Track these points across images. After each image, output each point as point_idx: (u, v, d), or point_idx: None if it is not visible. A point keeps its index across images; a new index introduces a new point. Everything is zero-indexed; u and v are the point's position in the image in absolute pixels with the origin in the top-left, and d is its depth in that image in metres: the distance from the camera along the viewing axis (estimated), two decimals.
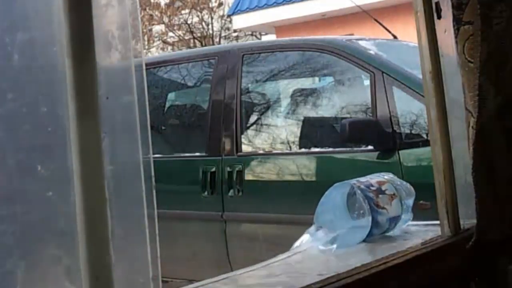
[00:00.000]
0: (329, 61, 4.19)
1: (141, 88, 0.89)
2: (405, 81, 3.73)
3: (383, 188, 1.51)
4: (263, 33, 15.55)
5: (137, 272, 0.89)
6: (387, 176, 1.58)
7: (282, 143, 4.29)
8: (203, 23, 18.03)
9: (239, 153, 4.16)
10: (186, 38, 18.31)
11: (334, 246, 1.44)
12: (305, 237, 1.46)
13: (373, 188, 1.49)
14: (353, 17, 10.41)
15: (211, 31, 18.12)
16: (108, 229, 0.82)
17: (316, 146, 4.06)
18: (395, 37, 4.66)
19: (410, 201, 1.57)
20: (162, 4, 17.87)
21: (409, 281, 1.38)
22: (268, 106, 4.51)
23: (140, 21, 0.94)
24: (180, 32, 18.36)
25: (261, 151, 4.26)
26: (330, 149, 3.97)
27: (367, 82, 3.99)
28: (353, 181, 1.51)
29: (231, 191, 4.11)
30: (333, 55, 4.06)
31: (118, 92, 0.89)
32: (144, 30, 16.45)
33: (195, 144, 4.57)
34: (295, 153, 4.15)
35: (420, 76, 1.61)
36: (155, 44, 18.63)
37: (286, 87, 4.61)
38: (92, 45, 0.82)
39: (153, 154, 0.91)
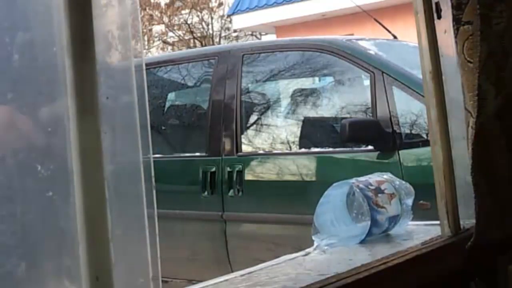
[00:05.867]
0: (329, 61, 4.19)
1: (141, 88, 0.89)
2: (405, 81, 3.73)
3: (382, 187, 1.51)
4: (263, 33, 15.55)
5: (137, 272, 0.89)
6: (386, 175, 1.58)
7: (282, 143, 4.29)
8: (203, 23, 18.04)
9: (239, 153, 4.16)
10: (186, 38, 18.31)
11: (334, 246, 1.44)
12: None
13: (372, 188, 1.49)
14: (353, 17, 10.41)
15: (211, 31, 18.13)
16: (108, 229, 0.82)
17: (316, 146, 4.06)
18: (395, 37, 4.66)
19: (409, 201, 1.57)
20: (162, 4, 17.87)
21: (409, 281, 1.38)
22: (268, 106, 4.51)
23: (140, 21, 0.94)
24: (180, 32, 18.36)
25: (261, 151, 4.26)
26: (330, 149, 3.97)
27: (367, 82, 3.99)
28: (352, 180, 1.51)
29: (231, 191, 4.11)
30: (333, 55, 4.06)
31: (118, 92, 0.89)
32: (144, 30, 16.46)
33: (195, 144, 4.57)
34: (295, 153, 4.15)
35: (420, 76, 1.61)
36: (155, 44, 18.64)
37: (286, 87, 4.61)
38: (92, 45, 0.82)
39: (153, 154, 0.91)
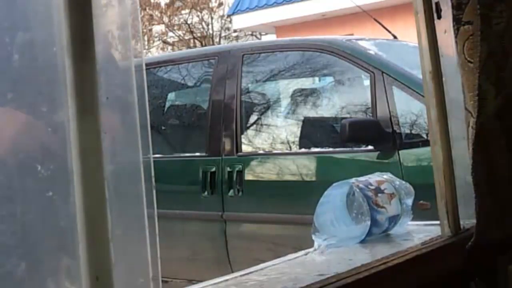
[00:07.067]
0: (329, 61, 4.19)
1: (141, 88, 0.89)
2: (405, 81, 3.73)
3: (382, 187, 1.51)
4: (263, 33, 15.55)
5: (137, 272, 0.89)
6: (386, 175, 1.59)
7: (282, 143, 4.29)
8: (203, 23, 18.04)
9: (239, 153, 4.16)
10: (186, 38, 18.31)
11: (334, 246, 1.44)
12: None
13: (372, 187, 1.49)
14: (353, 17, 10.41)
15: (211, 31, 18.13)
16: (108, 229, 0.82)
17: (316, 146, 4.06)
18: (395, 37, 4.66)
19: (409, 201, 1.57)
20: (162, 4, 17.87)
21: (409, 281, 1.38)
22: (268, 106, 4.51)
23: (140, 21, 0.94)
24: (180, 32, 18.36)
25: (261, 151, 4.26)
26: (330, 149, 3.97)
27: (367, 82, 3.99)
28: (352, 180, 1.51)
29: (231, 191, 4.11)
30: (333, 55, 4.06)
31: (118, 92, 0.89)
32: (144, 30, 16.46)
33: (195, 144, 4.57)
34: (295, 153, 4.15)
35: (420, 76, 1.61)
36: (155, 44, 18.64)
37: (286, 87, 4.61)
38: (92, 45, 0.82)
39: (153, 154, 0.91)
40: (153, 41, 18.51)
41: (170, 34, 18.51)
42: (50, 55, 0.85)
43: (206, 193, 4.19)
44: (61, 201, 0.84)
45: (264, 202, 4.11)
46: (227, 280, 1.25)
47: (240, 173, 4.10)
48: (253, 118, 4.44)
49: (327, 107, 4.36)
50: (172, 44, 18.60)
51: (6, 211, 0.84)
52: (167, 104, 4.92)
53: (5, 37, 0.85)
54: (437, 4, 1.54)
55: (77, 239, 0.81)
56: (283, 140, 4.30)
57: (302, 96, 4.40)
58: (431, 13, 1.54)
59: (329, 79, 4.60)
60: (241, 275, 1.28)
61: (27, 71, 0.86)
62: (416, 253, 1.40)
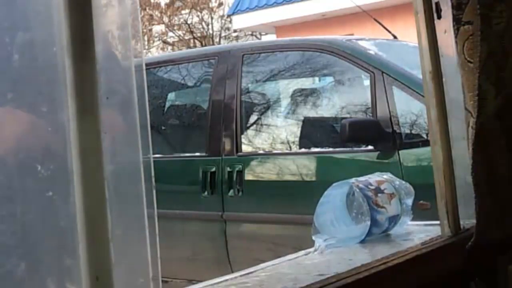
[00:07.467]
0: (329, 61, 4.19)
1: (141, 88, 0.89)
2: (405, 81, 3.73)
3: (382, 187, 1.51)
4: (263, 33, 15.55)
5: (137, 272, 0.89)
6: (386, 175, 1.59)
7: (282, 143, 4.29)
8: (203, 23, 18.04)
9: (239, 153, 4.16)
10: (186, 38, 18.31)
11: (334, 246, 1.44)
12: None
13: (372, 187, 1.49)
14: (353, 17, 10.41)
15: (211, 31, 18.13)
16: (108, 229, 0.82)
17: (316, 146, 4.06)
18: (395, 37, 4.66)
19: (409, 201, 1.57)
20: (162, 4, 17.87)
21: (409, 281, 1.38)
22: (268, 106, 4.51)
23: (140, 21, 0.94)
24: (180, 32, 18.36)
25: (261, 151, 4.26)
26: (330, 149, 3.97)
27: (367, 82, 3.99)
28: (352, 180, 1.51)
29: (231, 191, 4.11)
30: (333, 55, 4.06)
31: (118, 92, 0.89)
32: (144, 30, 16.46)
33: (195, 144, 4.57)
34: (295, 153, 4.15)
35: (420, 76, 1.61)
36: (155, 44, 18.64)
37: (286, 87, 4.61)
38: (92, 45, 0.82)
39: (153, 154, 0.91)
40: (153, 41, 18.52)
41: (170, 34, 18.52)
42: (50, 55, 0.85)
43: (206, 193, 4.19)
44: (61, 201, 0.84)
45: (264, 202, 4.11)
46: (227, 280, 1.25)
47: (240, 173, 4.10)
48: (253, 118, 4.44)
49: (327, 107, 4.37)
50: (172, 44, 18.60)
51: (6, 211, 0.84)
52: (167, 104, 4.92)
53: (5, 37, 0.85)
54: (437, 4, 1.54)
55: (77, 239, 0.81)
56: (283, 140, 4.30)
57: (302, 96, 4.41)
58: (431, 13, 1.54)
59: (329, 79, 4.60)
60: (241, 275, 1.28)
61: (27, 71, 0.86)
62: (416, 253, 1.40)
